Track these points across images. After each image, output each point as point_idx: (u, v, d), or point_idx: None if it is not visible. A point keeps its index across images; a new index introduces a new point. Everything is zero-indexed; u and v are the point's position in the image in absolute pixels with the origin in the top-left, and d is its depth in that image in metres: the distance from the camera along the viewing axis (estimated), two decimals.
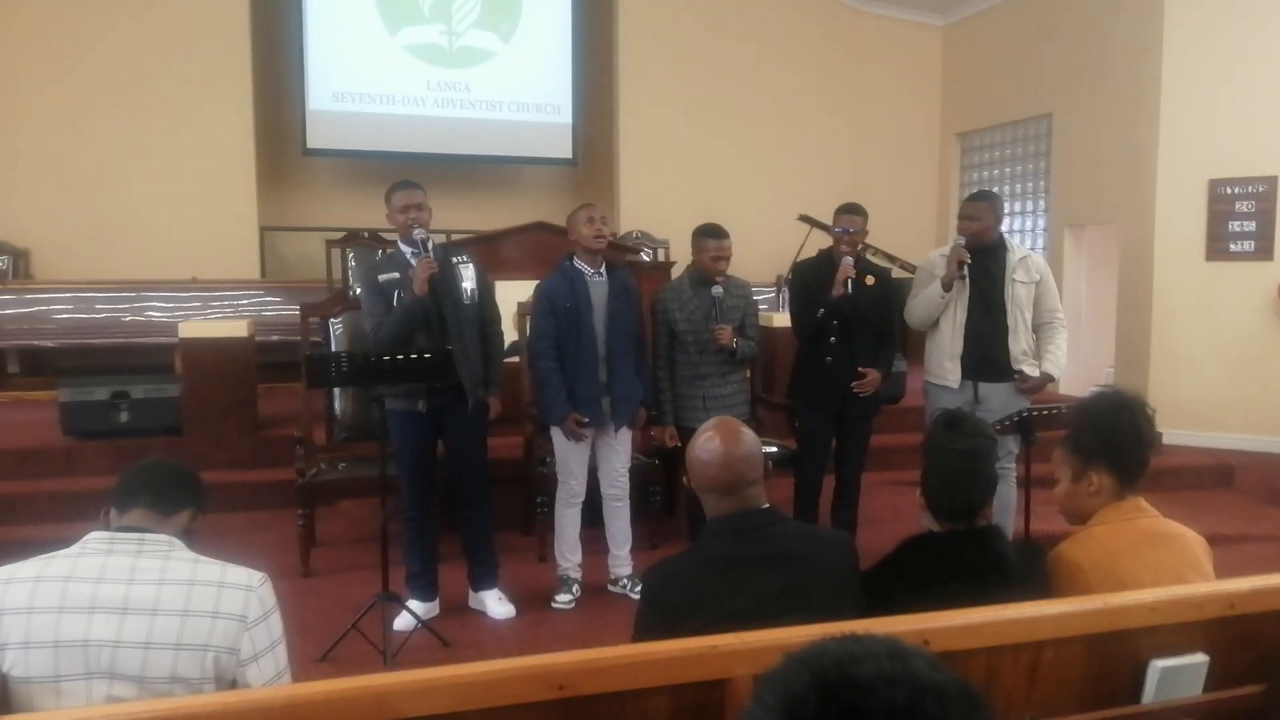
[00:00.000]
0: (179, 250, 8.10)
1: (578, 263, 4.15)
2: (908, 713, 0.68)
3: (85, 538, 1.84)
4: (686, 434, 3.44)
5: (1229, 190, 7.00)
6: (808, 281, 4.56)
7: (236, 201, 8.45)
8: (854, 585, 2.05)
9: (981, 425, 2.27)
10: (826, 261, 4.54)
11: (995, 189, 8.57)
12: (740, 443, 2.03)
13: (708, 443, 2.04)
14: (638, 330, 4.31)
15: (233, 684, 1.79)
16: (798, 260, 4.88)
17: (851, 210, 4.48)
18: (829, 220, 4.65)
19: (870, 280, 4.49)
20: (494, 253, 5.53)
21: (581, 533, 4.29)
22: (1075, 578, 2.12)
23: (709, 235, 4.36)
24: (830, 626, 0.79)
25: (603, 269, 4.17)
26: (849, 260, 4.39)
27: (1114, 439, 2.20)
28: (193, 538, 1.95)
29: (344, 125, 8.87)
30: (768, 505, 2.06)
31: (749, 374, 4.74)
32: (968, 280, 4.33)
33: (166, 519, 1.91)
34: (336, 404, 4.82)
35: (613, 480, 4.31)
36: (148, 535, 1.84)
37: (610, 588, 4.35)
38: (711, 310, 4.31)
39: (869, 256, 5.05)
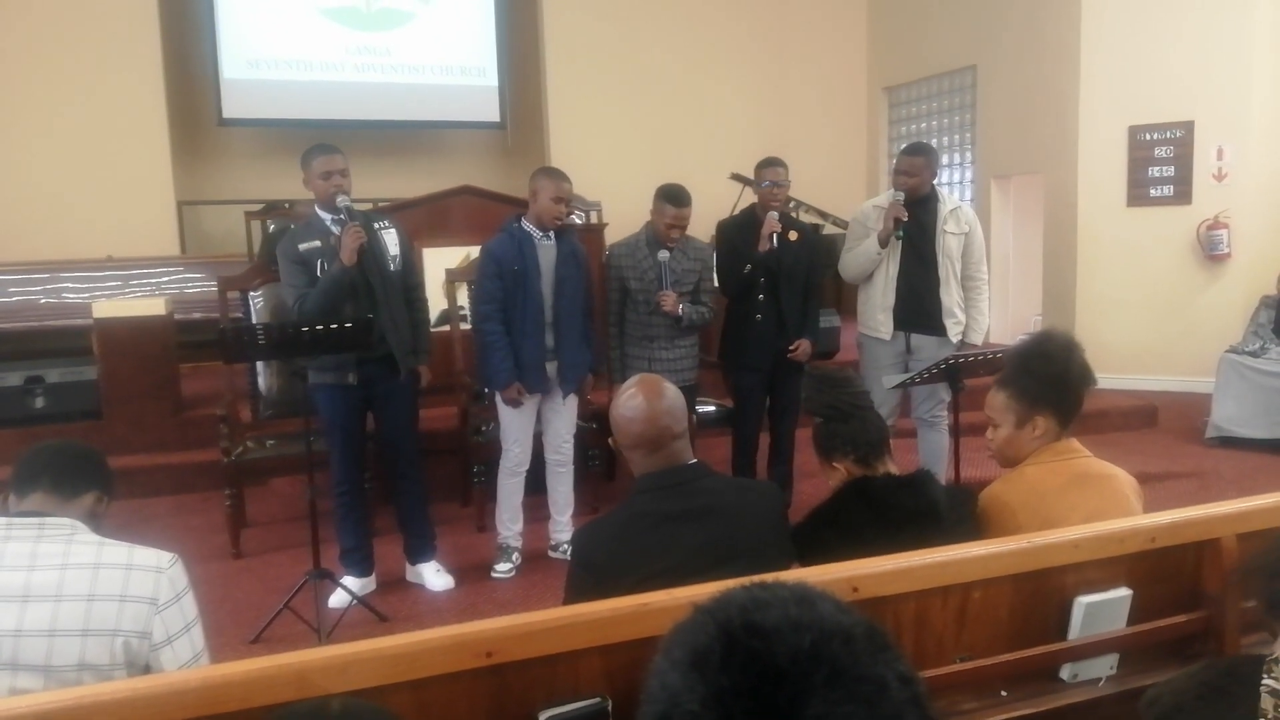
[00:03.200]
0: (94, 228, 7.80)
1: (526, 225, 4.02)
2: (813, 658, 0.66)
3: None
4: None
5: (1148, 136, 7.13)
6: (733, 238, 4.55)
7: (151, 175, 8.16)
8: (784, 536, 2.05)
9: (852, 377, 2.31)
10: (750, 218, 4.53)
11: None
12: (663, 397, 2.00)
13: (630, 399, 2.01)
14: (588, 296, 4.22)
15: (146, 669, 1.72)
16: (722, 219, 4.86)
17: (773, 163, 4.46)
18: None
19: (794, 236, 4.49)
20: (421, 219, 5.39)
21: (521, 500, 4.24)
22: (1005, 517, 2.14)
23: (669, 200, 4.21)
24: (757, 578, 0.77)
25: (551, 233, 4.04)
26: (774, 214, 4.39)
27: (1067, 383, 2.20)
28: (99, 521, 1.87)
29: (261, 94, 8.59)
30: (695, 460, 2.03)
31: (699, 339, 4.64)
32: (901, 234, 4.34)
33: (69, 502, 1.82)
34: (261, 380, 4.69)
35: (557, 446, 4.26)
36: (48, 519, 1.76)
37: (551, 553, 4.32)
38: (663, 274, 4.24)
39: (798, 213, 5.05)
